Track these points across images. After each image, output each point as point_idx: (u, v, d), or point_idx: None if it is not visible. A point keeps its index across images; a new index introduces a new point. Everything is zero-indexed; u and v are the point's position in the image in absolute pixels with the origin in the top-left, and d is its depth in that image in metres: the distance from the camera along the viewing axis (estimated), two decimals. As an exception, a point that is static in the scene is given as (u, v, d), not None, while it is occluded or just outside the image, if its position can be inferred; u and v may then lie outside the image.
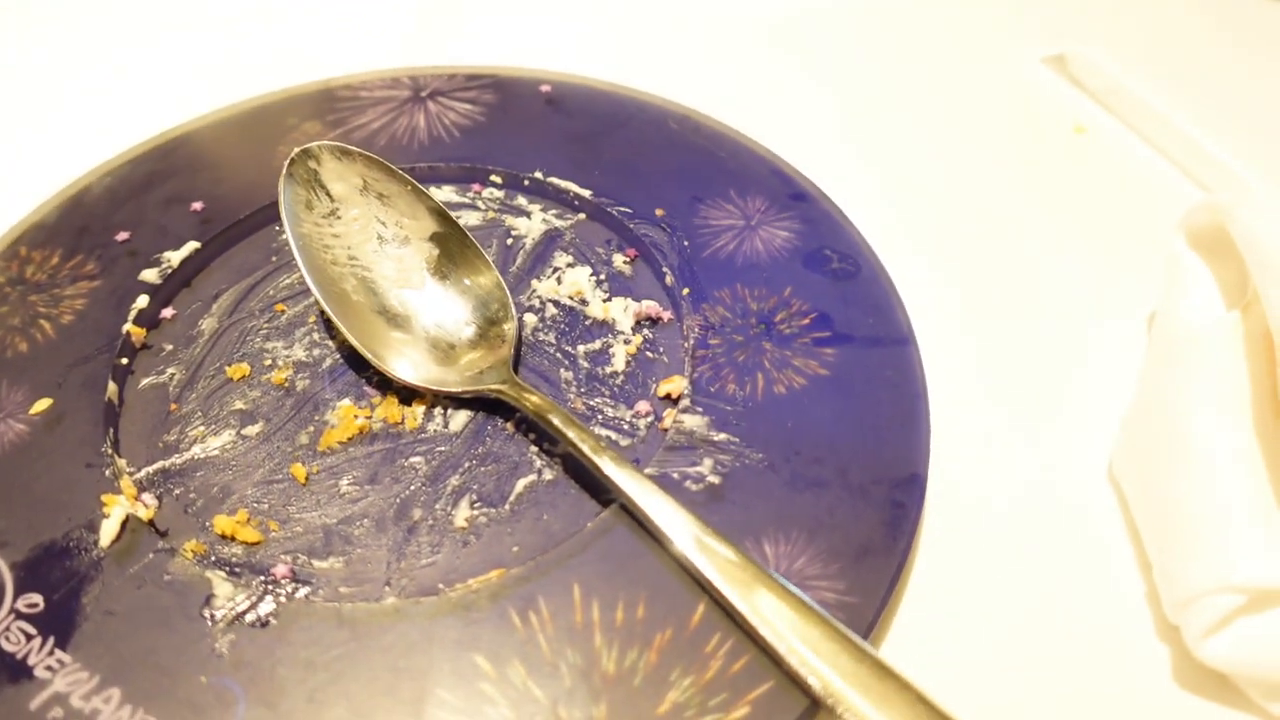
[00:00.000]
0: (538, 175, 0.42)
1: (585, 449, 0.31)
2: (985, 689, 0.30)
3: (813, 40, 0.53)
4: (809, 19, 0.55)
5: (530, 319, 0.38)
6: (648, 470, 0.32)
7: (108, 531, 0.31)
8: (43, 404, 0.34)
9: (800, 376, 0.35)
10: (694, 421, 0.33)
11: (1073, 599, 0.32)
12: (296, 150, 0.36)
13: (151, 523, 0.32)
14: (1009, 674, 0.30)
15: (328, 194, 0.37)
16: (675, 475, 0.32)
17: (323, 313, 0.38)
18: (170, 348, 0.37)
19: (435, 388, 0.34)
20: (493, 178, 0.43)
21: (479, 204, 0.42)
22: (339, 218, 0.37)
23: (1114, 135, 0.48)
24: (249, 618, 0.29)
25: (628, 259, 0.40)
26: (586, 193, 0.41)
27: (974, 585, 0.32)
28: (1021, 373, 0.38)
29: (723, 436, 0.33)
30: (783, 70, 0.52)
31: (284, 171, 0.36)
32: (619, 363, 0.36)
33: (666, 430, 0.34)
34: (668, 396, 0.35)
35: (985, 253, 0.42)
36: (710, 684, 0.28)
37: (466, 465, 0.33)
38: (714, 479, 0.32)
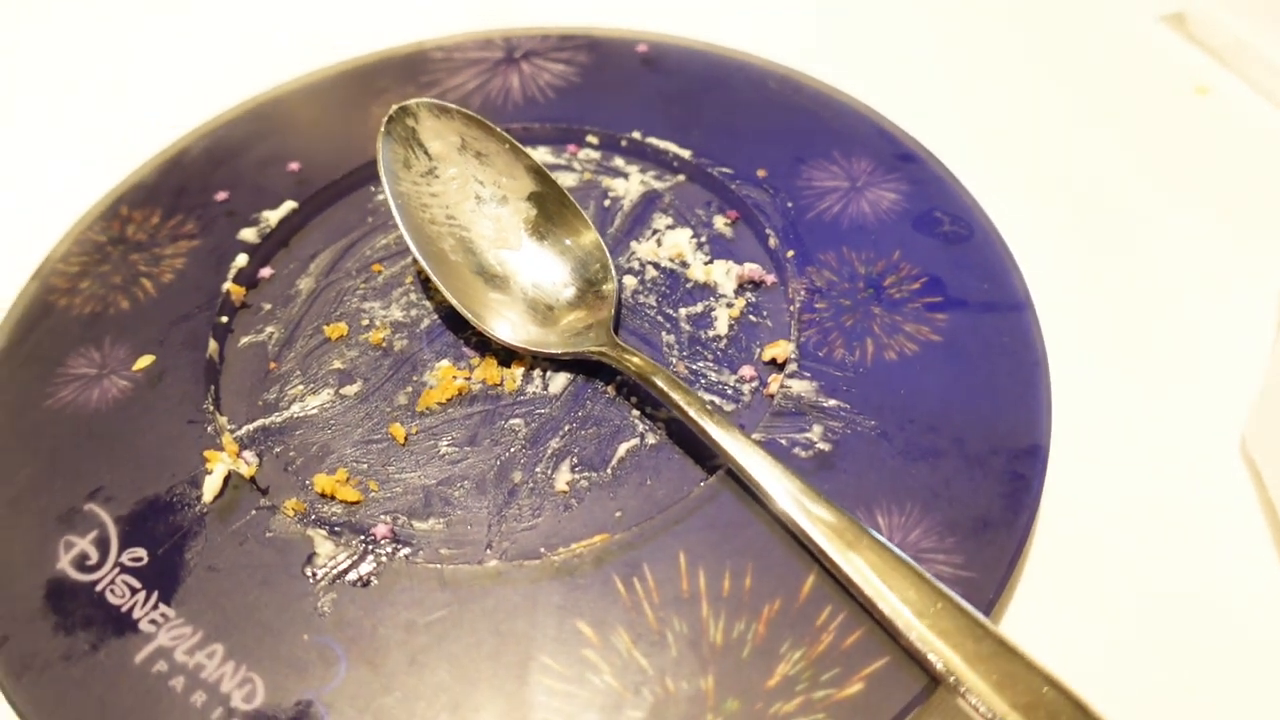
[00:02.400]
0: (635, 136, 0.41)
1: (691, 413, 0.30)
2: (1108, 671, 0.28)
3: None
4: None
5: (630, 281, 0.37)
6: (755, 436, 0.31)
7: (210, 487, 0.30)
8: (145, 360, 0.34)
9: (912, 342, 0.33)
10: (802, 387, 0.32)
11: (1202, 581, 0.30)
12: (394, 107, 0.36)
13: (253, 480, 0.31)
14: (1132, 656, 0.29)
15: (425, 152, 0.36)
16: (783, 441, 0.31)
17: (420, 273, 0.37)
18: (269, 307, 0.37)
19: (535, 349, 0.34)
20: (589, 139, 0.42)
21: (575, 165, 0.41)
22: (437, 176, 0.36)
23: (1238, 96, 0.46)
24: (350, 577, 0.29)
25: (729, 221, 0.38)
26: (686, 153, 0.40)
27: (1095, 563, 0.31)
28: (1144, 342, 0.36)
29: (833, 403, 0.32)
30: (884, 28, 0.50)
31: (382, 129, 0.35)
32: (721, 326, 0.35)
33: (773, 396, 0.33)
34: (773, 361, 0.34)
35: (1103, 218, 0.40)
36: (822, 658, 0.27)
37: (567, 428, 0.33)
38: (824, 446, 0.31)
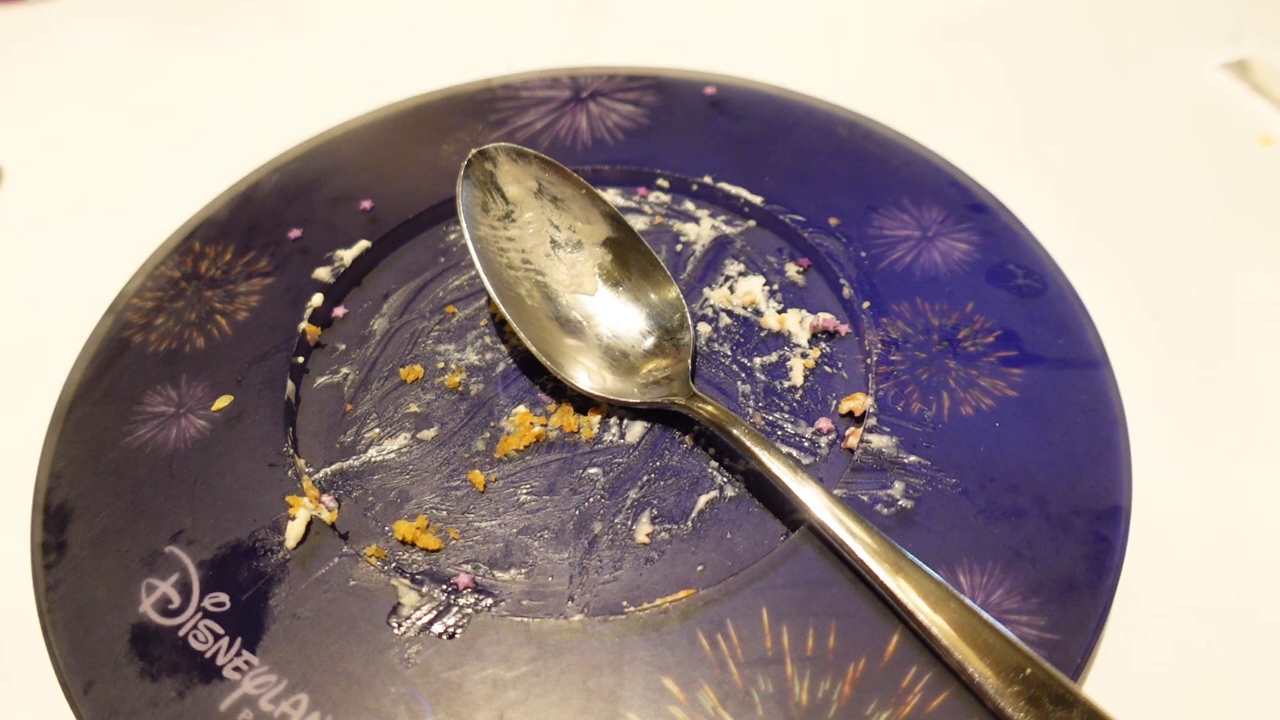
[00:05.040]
0: (707, 180, 0.41)
1: (773, 467, 0.30)
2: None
3: (981, 45, 0.51)
4: (976, 23, 0.53)
5: (704, 328, 0.37)
6: (836, 491, 0.31)
7: (293, 534, 0.30)
8: (223, 401, 0.34)
9: (988, 397, 0.33)
10: (882, 442, 0.32)
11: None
12: (474, 151, 0.36)
13: (333, 526, 0.32)
14: (1222, 724, 0.29)
15: (503, 196, 0.36)
16: (864, 498, 0.31)
17: (495, 315, 0.38)
18: (343, 347, 0.37)
19: (614, 398, 0.34)
20: (659, 181, 0.42)
21: (645, 208, 0.41)
22: (513, 220, 0.36)
23: (1302, 147, 0.46)
24: (436, 629, 0.29)
25: (800, 269, 0.39)
26: (758, 199, 0.40)
27: (1179, 627, 0.30)
28: (1222, 400, 0.36)
29: (913, 459, 0.32)
30: (950, 75, 0.50)
31: (461, 173, 0.36)
32: (797, 377, 0.35)
33: (853, 450, 0.33)
34: (850, 414, 0.34)
35: (1175, 272, 0.40)
36: (909, 720, 0.27)
37: (645, 479, 0.33)
38: (906, 503, 0.31)
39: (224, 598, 0.30)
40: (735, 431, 0.31)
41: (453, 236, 0.40)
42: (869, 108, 0.44)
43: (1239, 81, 0.48)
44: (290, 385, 0.35)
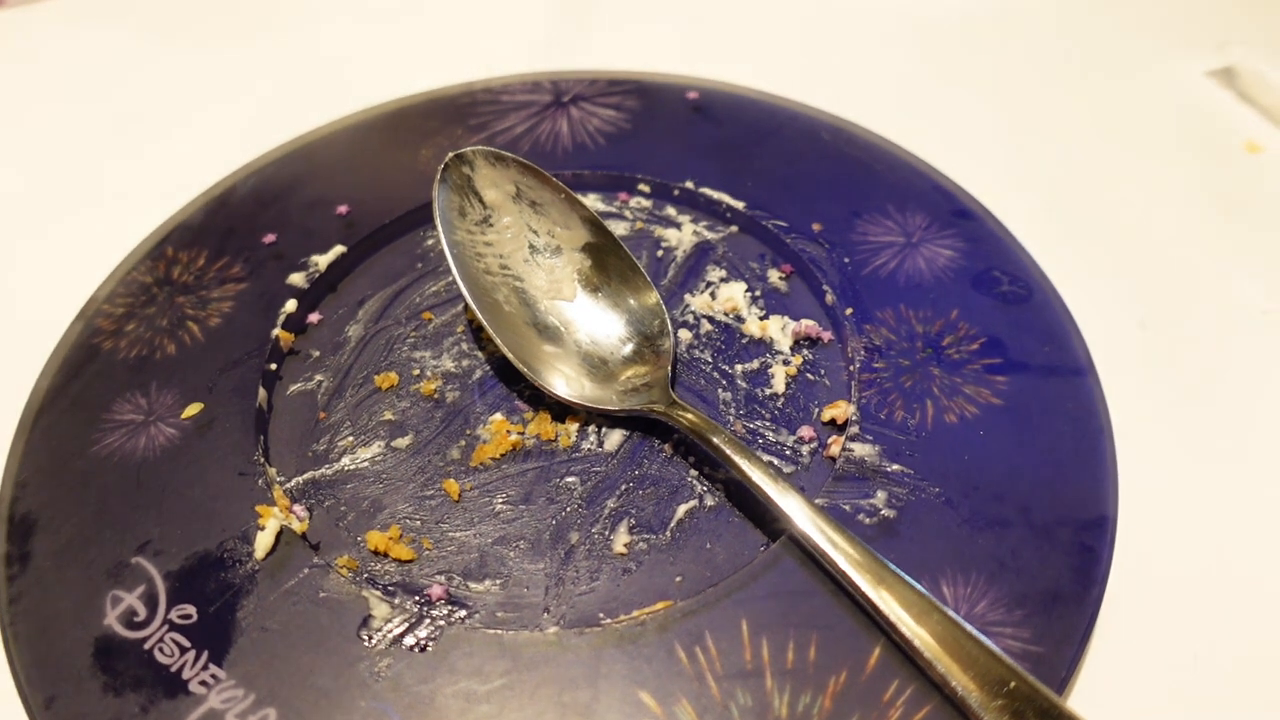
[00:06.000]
0: (688, 185, 0.40)
1: (753, 476, 0.30)
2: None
3: (966, 50, 0.51)
4: (962, 28, 0.52)
5: (685, 335, 0.36)
6: (817, 500, 0.30)
7: (262, 544, 0.30)
8: (194, 408, 0.33)
9: (972, 405, 0.33)
10: (864, 450, 0.32)
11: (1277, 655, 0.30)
12: (450, 155, 0.35)
13: (304, 536, 0.31)
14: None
15: (480, 201, 0.36)
16: (847, 507, 0.30)
17: (471, 322, 0.37)
18: (317, 354, 0.36)
19: (592, 405, 0.33)
20: (640, 186, 0.41)
21: (626, 214, 0.41)
22: (491, 225, 0.36)
23: (1290, 154, 0.45)
24: (407, 641, 0.28)
25: (783, 275, 0.38)
26: (740, 205, 0.40)
27: (1164, 637, 0.30)
28: (1209, 408, 0.35)
29: (896, 467, 0.31)
30: (935, 81, 0.49)
31: (438, 177, 0.35)
32: (779, 384, 0.34)
33: (835, 458, 0.32)
34: (832, 422, 0.33)
35: (1162, 279, 0.39)
36: (891, 735, 0.26)
37: (624, 488, 0.32)
38: (888, 512, 0.30)
39: (191, 610, 0.29)
40: (715, 440, 0.31)
41: (430, 242, 0.40)
42: (853, 113, 0.44)
43: (1225, 89, 0.48)
44: (262, 392, 0.34)
